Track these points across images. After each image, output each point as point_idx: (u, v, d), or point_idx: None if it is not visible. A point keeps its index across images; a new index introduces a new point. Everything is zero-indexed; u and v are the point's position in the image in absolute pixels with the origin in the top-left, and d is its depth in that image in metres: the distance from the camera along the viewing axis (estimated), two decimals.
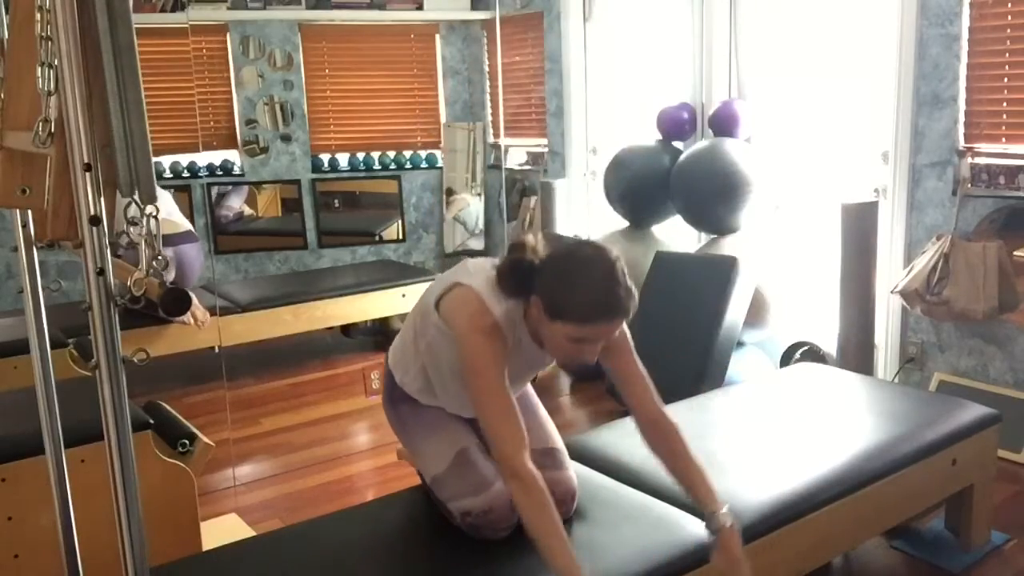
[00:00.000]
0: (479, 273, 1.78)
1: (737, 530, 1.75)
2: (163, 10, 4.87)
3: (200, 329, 3.90)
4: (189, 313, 3.90)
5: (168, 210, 4.09)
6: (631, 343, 1.85)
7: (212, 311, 3.85)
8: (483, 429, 1.74)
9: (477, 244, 5.81)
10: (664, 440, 1.83)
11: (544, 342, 1.74)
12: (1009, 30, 3.10)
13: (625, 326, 1.77)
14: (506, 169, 5.54)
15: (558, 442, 2.04)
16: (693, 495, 1.80)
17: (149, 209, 1.20)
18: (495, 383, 1.67)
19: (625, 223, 4.40)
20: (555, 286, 1.65)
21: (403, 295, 4.72)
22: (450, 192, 5.81)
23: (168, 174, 5.13)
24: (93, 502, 1.88)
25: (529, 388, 2.09)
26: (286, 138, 5.40)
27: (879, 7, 3.48)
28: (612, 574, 1.74)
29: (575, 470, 2.06)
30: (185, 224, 4.16)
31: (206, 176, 5.23)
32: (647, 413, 1.84)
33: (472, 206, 5.78)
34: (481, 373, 1.68)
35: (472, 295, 1.73)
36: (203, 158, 5.24)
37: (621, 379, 1.87)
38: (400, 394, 2.00)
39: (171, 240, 3.96)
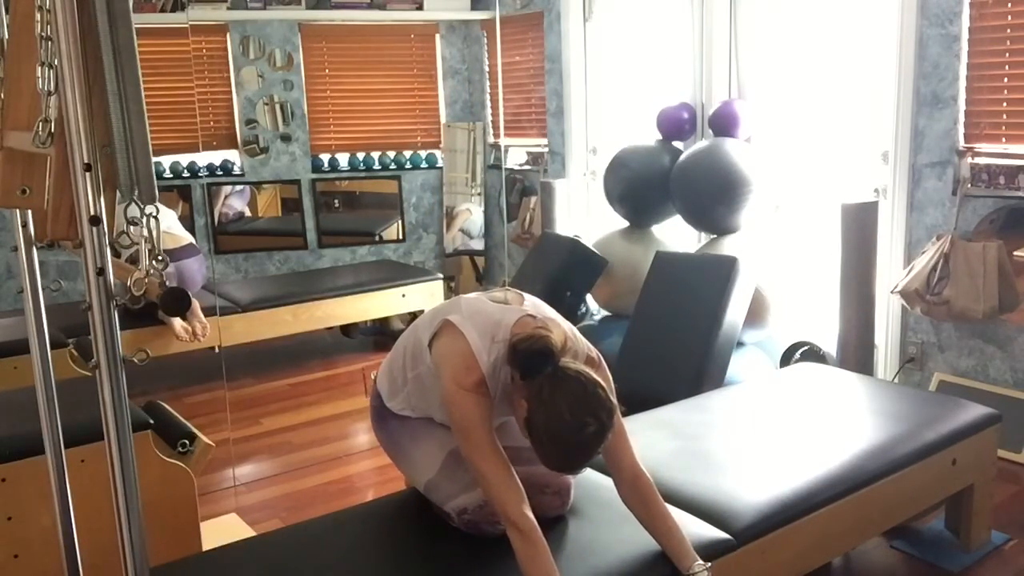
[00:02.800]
0: (473, 316, 1.78)
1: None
2: (163, 10, 4.87)
3: (199, 342, 3.91)
4: (185, 325, 3.90)
5: (168, 224, 4.08)
6: (622, 425, 1.79)
7: (212, 311, 3.85)
8: (480, 487, 1.75)
9: (477, 244, 5.81)
10: (642, 497, 1.82)
11: (516, 419, 1.73)
12: (1009, 30, 3.10)
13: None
14: (506, 169, 5.54)
15: None
16: (669, 551, 1.78)
17: (149, 209, 1.20)
18: (484, 443, 1.69)
19: (625, 223, 4.40)
20: (537, 424, 1.63)
21: (403, 295, 4.73)
22: (450, 211, 5.82)
23: (168, 174, 5.13)
24: (93, 502, 1.88)
25: None
26: (286, 138, 5.40)
27: (879, 7, 3.48)
28: (612, 574, 1.74)
29: None
30: (186, 237, 4.14)
31: (206, 176, 5.23)
32: (627, 470, 1.82)
33: (475, 216, 5.79)
34: (469, 435, 1.70)
35: (462, 346, 1.73)
36: (203, 158, 5.24)
37: (605, 450, 1.80)
38: (388, 413, 2.03)
39: (172, 254, 3.94)
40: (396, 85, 5.70)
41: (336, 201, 5.65)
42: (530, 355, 1.66)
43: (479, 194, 5.77)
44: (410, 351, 1.94)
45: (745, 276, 3.50)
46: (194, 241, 4.19)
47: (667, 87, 4.43)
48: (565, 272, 4.23)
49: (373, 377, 2.18)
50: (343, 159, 5.61)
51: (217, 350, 3.76)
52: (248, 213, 5.41)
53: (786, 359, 3.71)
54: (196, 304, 3.88)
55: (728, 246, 3.75)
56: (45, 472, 1.76)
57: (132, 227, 1.20)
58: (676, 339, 3.46)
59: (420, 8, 5.51)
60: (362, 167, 5.66)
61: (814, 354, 3.63)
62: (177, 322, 3.86)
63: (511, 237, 5.39)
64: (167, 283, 1.21)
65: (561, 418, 1.61)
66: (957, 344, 3.39)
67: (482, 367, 1.71)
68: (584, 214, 5.06)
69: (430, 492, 1.94)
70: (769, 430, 2.39)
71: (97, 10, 1.13)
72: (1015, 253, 3.09)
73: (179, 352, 3.91)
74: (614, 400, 1.67)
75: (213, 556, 1.94)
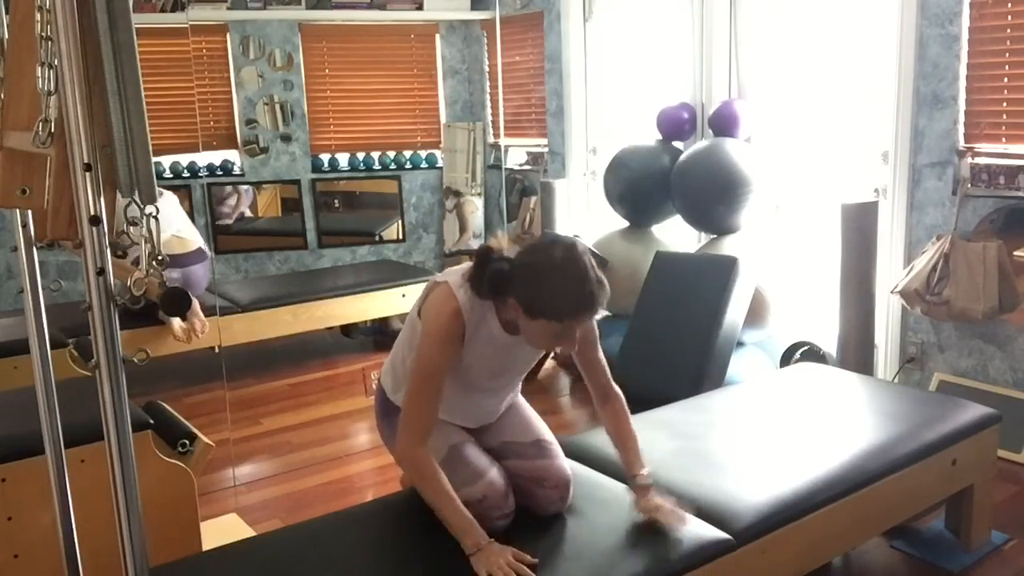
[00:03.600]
0: (457, 271, 1.89)
1: (652, 486, 1.93)
2: (163, 10, 4.87)
3: (198, 338, 3.90)
4: (184, 325, 3.90)
5: (178, 227, 4.06)
6: (597, 333, 2.02)
7: (212, 311, 3.85)
8: (401, 414, 1.87)
9: (477, 244, 5.81)
10: (610, 408, 2.05)
11: (524, 336, 1.85)
12: (1009, 30, 3.10)
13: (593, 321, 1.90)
14: (506, 169, 5.54)
15: (546, 434, 2.10)
16: (623, 458, 2.01)
17: (149, 209, 1.20)
18: (430, 389, 1.82)
19: (625, 223, 4.40)
20: (531, 290, 1.76)
21: (403, 295, 4.72)
22: (458, 194, 5.79)
23: (168, 174, 5.13)
24: (93, 502, 1.88)
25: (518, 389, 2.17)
26: (286, 138, 5.40)
27: (879, 7, 3.48)
28: (612, 574, 1.74)
29: (574, 469, 2.07)
30: (197, 242, 4.11)
31: (206, 176, 5.23)
32: (601, 388, 2.06)
33: (480, 210, 5.78)
34: (423, 376, 1.83)
35: (443, 288, 1.86)
36: (203, 158, 5.24)
37: (585, 364, 2.05)
38: (393, 408, 2.05)
39: (180, 260, 3.94)
40: (396, 85, 5.70)
41: (336, 201, 5.66)
42: (477, 263, 1.81)
43: (479, 194, 5.77)
44: (406, 338, 2.01)
45: (745, 276, 3.50)
46: (204, 244, 4.17)
47: (667, 87, 4.43)
48: None
49: (374, 377, 2.21)
50: (343, 159, 5.61)
51: (217, 350, 3.76)
52: (248, 213, 5.41)
53: (786, 359, 3.71)
54: (196, 303, 3.88)
55: (728, 246, 3.75)
56: (45, 472, 1.76)
57: (132, 227, 1.20)
58: (676, 339, 3.46)
59: (420, 8, 5.51)
60: (362, 167, 5.66)
61: (814, 354, 3.63)
62: (176, 322, 3.86)
63: (511, 237, 5.38)
64: (167, 283, 1.21)
65: (552, 262, 1.75)
66: (957, 344, 3.39)
67: (459, 299, 1.82)
68: (584, 214, 5.06)
69: None
70: (769, 430, 2.39)
71: (97, 10, 1.13)
72: (1015, 253, 3.09)
73: (179, 352, 3.91)
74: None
75: (213, 556, 1.94)
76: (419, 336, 1.89)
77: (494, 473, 1.92)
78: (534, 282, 1.76)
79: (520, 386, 2.16)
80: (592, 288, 1.75)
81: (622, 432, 2.04)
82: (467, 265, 1.88)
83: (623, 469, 2.01)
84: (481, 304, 1.84)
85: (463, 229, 5.78)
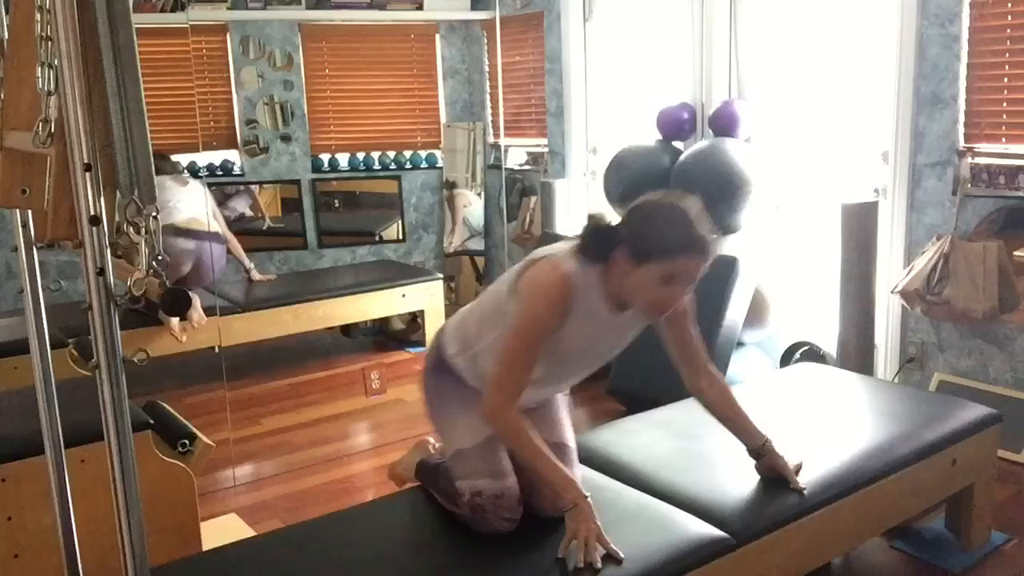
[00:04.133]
0: (556, 247, 1.89)
1: (774, 450, 2.03)
2: (163, 10, 4.86)
3: (194, 328, 3.91)
4: (183, 325, 3.91)
5: (195, 211, 4.16)
6: (693, 306, 1.97)
7: (212, 311, 3.85)
8: (493, 373, 1.85)
9: (477, 244, 5.81)
10: (715, 388, 2.05)
11: (631, 294, 1.81)
12: (1009, 30, 3.10)
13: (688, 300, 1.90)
14: (506, 169, 5.54)
15: (570, 440, 2.07)
16: (740, 432, 2.05)
17: (149, 209, 1.19)
18: (533, 341, 1.79)
19: None
20: (641, 229, 1.77)
21: (403, 295, 4.72)
22: (452, 185, 5.78)
23: None
24: (93, 502, 1.88)
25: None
26: (286, 138, 5.40)
27: (879, 7, 3.48)
28: (612, 574, 1.74)
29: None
30: (214, 226, 4.23)
31: (206, 176, 5.23)
32: (698, 366, 2.03)
33: (475, 205, 5.78)
34: (526, 329, 1.79)
35: (549, 261, 1.83)
36: (203, 158, 5.23)
37: (678, 339, 2.00)
38: (446, 366, 2.02)
39: (196, 235, 4.08)
40: (396, 85, 5.70)
41: (336, 201, 5.65)
42: (585, 229, 1.85)
43: (479, 194, 5.77)
44: (490, 309, 1.95)
45: (745, 276, 3.50)
46: (224, 232, 4.33)
47: (667, 87, 4.43)
48: None
49: (374, 377, 2.21)
50: (343, 159, 5.61)
51: (217, 350, 3.75)
52: (249, 213, 5.41)
53: (786, 359, 3.71)
54: (196, 299, 3.88)
55: (728, 246, 3.75)
56: (45, 472, 1.76)
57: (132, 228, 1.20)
58: None
59: (420, 8, 5.51)
60: (362, 167, 5.66)
61: (814, 354, 3.63)
62: (175, 322, 3.86)
63: (511, 237, 5.38)
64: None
65: (660, 205, 1.79)
66: (957, 344, 3.39)
67: (566, 267, 1.80)
68: (584, 214, 5.05)
69: (455, 462, 1.94)
70: (769, 430, 2.39)
71: (97, 10, 1.13)
72: (1015, 253, 3.09)
73: (179, 352, 3.91)
74: None
75: (213, 556, 1.94)
76: (507, 315, 1.85)
77: (513, 480, 1.90)
78: (643, 223, 1.78)
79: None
80: (701, 231, 1.75)
81: (732, 408, 2.06)
82: (563, 243, 1.89)
83: (744, 441, 2.05)
84: (587, 274, 1.81)
85: (454, 222, 5.77)
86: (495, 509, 1.85)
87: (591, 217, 1.89)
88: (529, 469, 1.84)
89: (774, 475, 2.05)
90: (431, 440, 2.29)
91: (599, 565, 1.70)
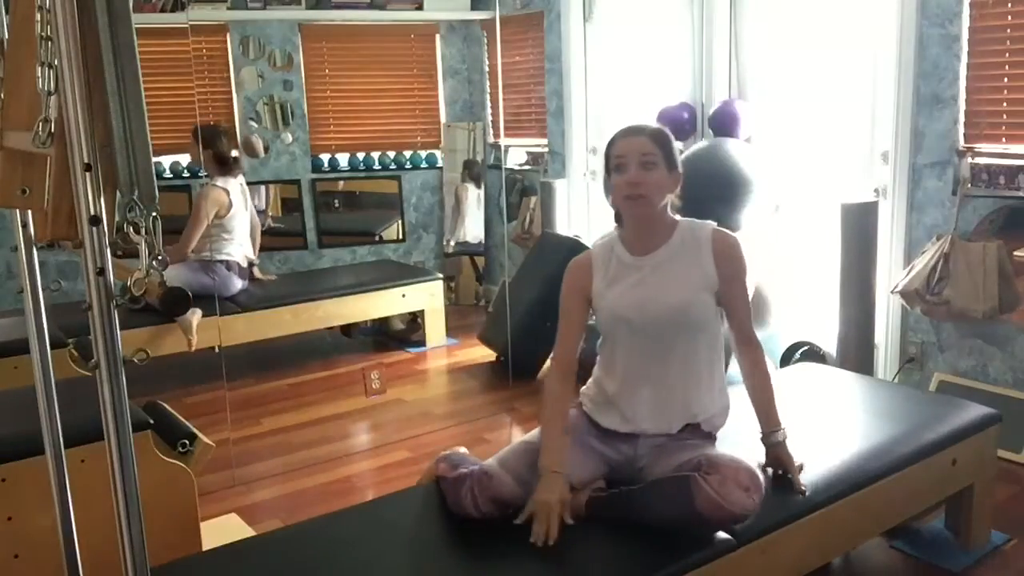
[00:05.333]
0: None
1: (784, 443, 2.05)
2: (163, 10, 4.87)
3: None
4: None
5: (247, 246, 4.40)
6: (744, 277, 2.06)
7: (212, 311, 3.85)
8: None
9: (474, 239, 5.81)
10: (748, 357, 2.10)
11: (612, 200, 2.05)
12: (1009, 30, 3.10)
13: (744, 263, 2.04)
14: (506, 169, 5.54)
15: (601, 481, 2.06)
16: (759, 415, 2.08)
17: (149, 209, 1.19)
18: (564, 314, 2.09)
19: None
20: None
21: (403, 295, 4.72)
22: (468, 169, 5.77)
23: (168, 174, 5.13)
24: (93, 502, 1.88)
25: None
26: (286, 138, 5.40)
27: (879, 7, 3.48)
28: (612, 574, 1.74)
29: None
30: (251, 257, 4.45)
31: (206, 176, 5.23)
32: (740, 331, 2.09)
33: (475, 201, 5.78)
34: (561, 307, 2.10)
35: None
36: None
37: (728, 301, 2.05)
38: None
39: (234, 268, 4.28)
40: (396, 85, 5.70)
41: (336, 201, 5.65)
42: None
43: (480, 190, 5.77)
44: None
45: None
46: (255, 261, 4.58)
47: (667, 87, 4.43)
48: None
49: (374, 377, 2.25)
50: (343, 159, 5.61)
51: (217, 350, 3.75)
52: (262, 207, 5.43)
53: (786, 359, 3.71)
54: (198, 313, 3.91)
55: None
56: (45, 472, 1.76)
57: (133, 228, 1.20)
58: None
59: (420, 8, 5.51)
60: (362, 167, 5.66)
61: (814, 354, 3.63)
62: (194, 324, 3.87)
63: (511, 237, 5.39)
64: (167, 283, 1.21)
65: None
66: (957, 344, 3.39)
67: (591, 248, 2.13)
68: (584, 214, 5.06)
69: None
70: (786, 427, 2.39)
71: (97, 10, 1.13)
72: (1015, 253, 3.09)
73: (179, 352, 3.91)
74: None
75: (213, 556, 1.94)
76: None
77: (511, 481, 1.91)
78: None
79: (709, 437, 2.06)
80: (638, 124, 2.01)
81: (756, 385, 2.08)
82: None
83: (761, 424, 2.08)
84: (610, 239, 2.09)
85: (460, 215, 5.78)
86: (479, 485, 1.88)
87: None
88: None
89: (778, 467, 2.06)
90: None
91: (550, 541, 1.77)
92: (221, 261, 4.25)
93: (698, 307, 1.99)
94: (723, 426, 2.09)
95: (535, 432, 2.05)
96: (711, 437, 2.05)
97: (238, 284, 4.34)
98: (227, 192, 4.26)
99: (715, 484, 1.77)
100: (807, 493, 2.01)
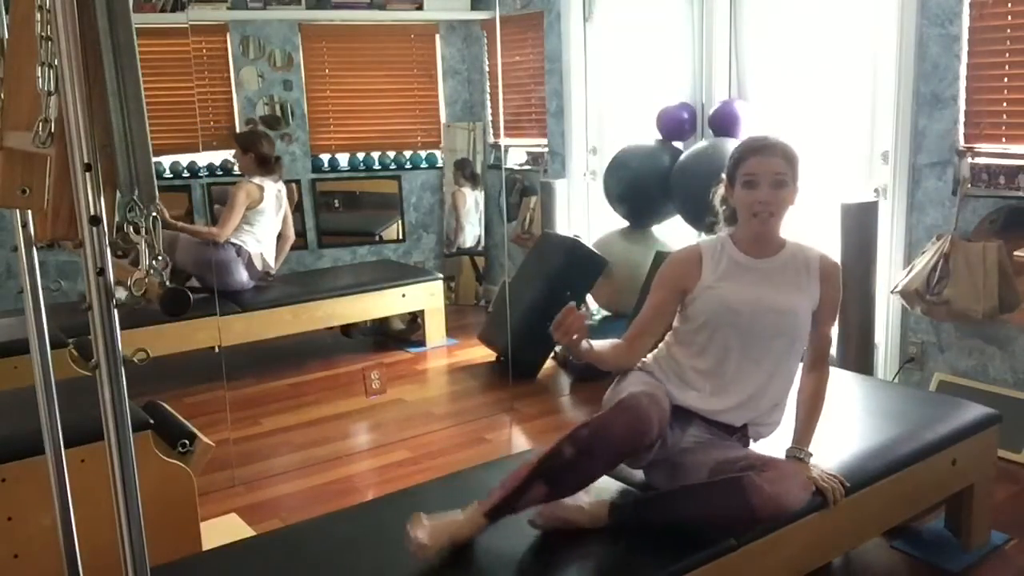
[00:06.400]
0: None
1: (799, 459, 2.03)
2: (163, 10, 4.87)
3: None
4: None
5: (267, 251, 4.46)
6: (839, 303, 2.16)
7: (212, 311, 3.85)
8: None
9: (472, 237, 5.81)
10: (812, 378, 2.14)
11: (739, 214, 2.08)
12: (1009, 30, 3.10)
13: (841, 290, 2.15)
14: (506, 169, 5.54)
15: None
16: (796, 430, 2.08)
17: (149, 208, 1.19)
18: (650, 302, 2.11)
19: (625, 223, 4.40)
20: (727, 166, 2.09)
21: (403, 295, 4.72)
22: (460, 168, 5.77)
23: (168, 174, 5.13)
24: (93, 502, 1.88)
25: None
26: (286, 137, 5.40)
27: (879, 7, 3.48)
28: (613, 574, 1.74)
29: None
30: (269, 262, 4.49)
31: (206, 176, 5.23)
32: (814, 355, 2.15)
33: (473, 205, 5.78)
34: (652, 290, 2.12)
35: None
36: (203, 158, 5.24)
37: (817, 322, 2.12)
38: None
39: (243, 256, 4.33)
40: (396, 85, 5.70)
41: (336, 201, 5.65)
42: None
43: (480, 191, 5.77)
44: None
45: None
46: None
47: (667, 87, 4.43)
48: (565, 272, 4.23)
49: (374, 377, 2.23)
50: (343, 159, 5.61)
51: (217, 350, 3.75)
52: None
53: None
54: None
55: None
56: (45, 472, 1.76)
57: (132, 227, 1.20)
58: None
59: (420, 8, 5.51)
60: (362, 167, 5.66)
61: None
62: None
63: (511, 237, 5.39)
64: (167, 282, 1.21)
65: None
66: (957, 344, 3.39)
67: (698, 244, 2.15)
68: (584, 214, 5.06)
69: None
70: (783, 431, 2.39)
71: (97, 10, 1.13)
72: (1015, 253, 3.09)
73: (179, 352, 3.91)
74: None
75: (213, 556, 1.94)
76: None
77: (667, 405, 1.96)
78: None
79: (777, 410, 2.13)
80: (766, 137, 2.06)
81: (810, 405, 2.10)
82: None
83: (793, 439, 2.08)
84: (718, 239, 2.11)
85: (458, 221, 5.78)
86: (643, 408, 1.84)
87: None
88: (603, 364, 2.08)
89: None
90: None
91: None
92: (233, 244, 4.30)
93: (803, 318, 2.08)
94: (763, 439, 2.13)
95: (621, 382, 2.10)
96: (747, 444, 2.10)
97: (243, 276, 4.33)
98: (261, 189, 4.34)
99: (772, 481, 1.83)
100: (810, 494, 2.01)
